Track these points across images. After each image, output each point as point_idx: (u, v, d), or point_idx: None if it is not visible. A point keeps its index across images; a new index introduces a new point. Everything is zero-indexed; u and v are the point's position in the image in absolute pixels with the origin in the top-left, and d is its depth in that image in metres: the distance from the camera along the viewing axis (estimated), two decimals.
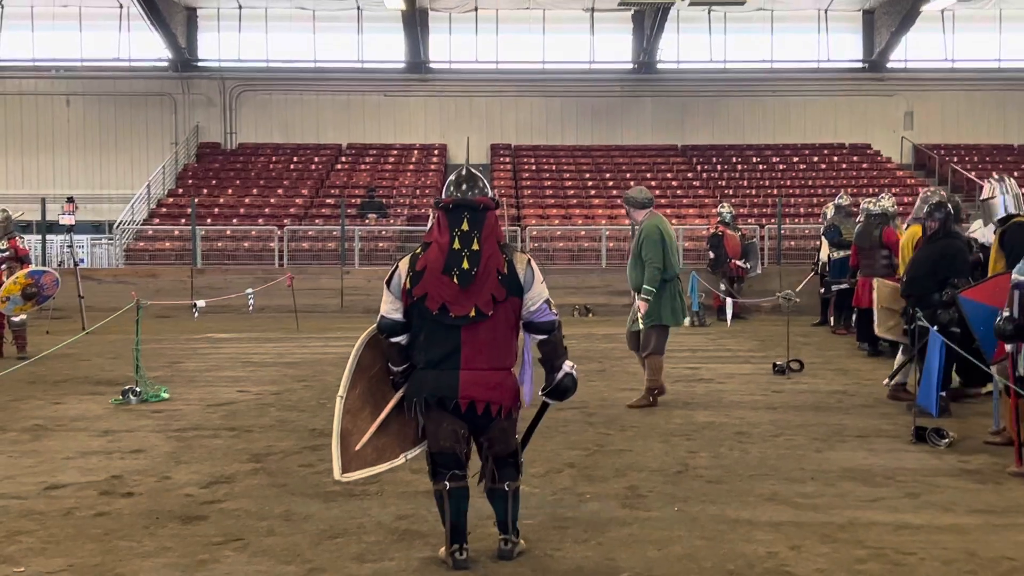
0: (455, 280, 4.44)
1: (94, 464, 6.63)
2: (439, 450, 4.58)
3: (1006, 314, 6.22)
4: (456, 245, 4.48)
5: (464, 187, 4.60)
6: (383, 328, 4.64)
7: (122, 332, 11.26)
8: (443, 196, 4.61)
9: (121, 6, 28.58)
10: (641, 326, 8.63)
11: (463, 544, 4.60)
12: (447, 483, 4.56)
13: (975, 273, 8.44)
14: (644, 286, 8.43)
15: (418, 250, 4.60)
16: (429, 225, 4.67)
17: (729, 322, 14.85)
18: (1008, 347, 6.39)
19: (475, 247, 4.48)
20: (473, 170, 4.76)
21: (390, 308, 4.60)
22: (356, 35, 29.85)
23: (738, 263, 17.84)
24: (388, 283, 4.61)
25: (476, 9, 29.57)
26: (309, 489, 6.00)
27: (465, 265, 4.45)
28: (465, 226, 4.50)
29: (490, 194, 4.66)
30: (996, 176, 8.10)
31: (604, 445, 7.17)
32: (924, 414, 7.42)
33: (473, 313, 4.46)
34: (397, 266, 4.61)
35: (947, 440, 7.11)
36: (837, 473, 6.34)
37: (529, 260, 4.65)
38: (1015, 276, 6.20)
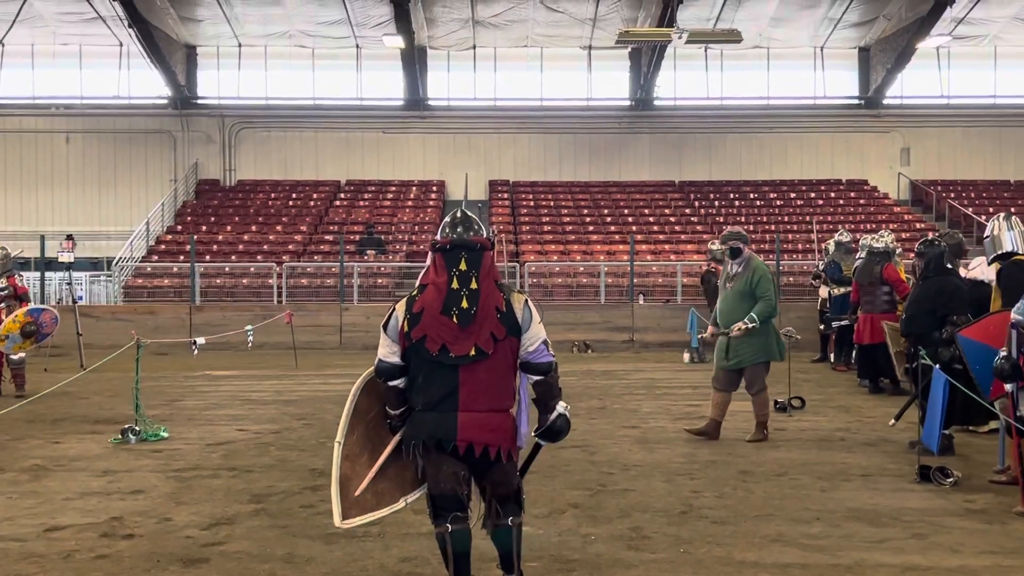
0: (455, 320, 4.41)
1: (94, 505, 6.58)
2: (440, 492, 4.53)
3: (1004, 353, 6.21)
4: (455, 285, 4.45)
5: (460, 228, 4.57)
6: (381, 372, 4.59)
7: (120, 370, 11.24)
8: (439, 237, 4.60)
9: (121, 44, 28.76)
10: (740, 359, 8.78)
11: None
12: (449, 525, 4.50)
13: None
14: (752, 314, 8.65)
15: (414, 293, 4.56)
16: (425, 268, 4.65)
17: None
18: (1008, 386, 6.36)
19: (473, 286, 4.46)
20: (467, 211, 4.76)
21: (387, 352, 4.56)
22: (355, 72, 30.02)
23: None
24: (385, 327, 4.57)
25: (475, 47, 29.79)
26: (311, 531, 5.95)
27: (464, 304, 4.43)
28: (463, 266, 4.48)
29: (485, 234, 4.64)
30: (1003, 215, 8.07)
31: (607, 485, 7.12)
32: (927, 452, 7.39)
33: (473, 352, 4.42)
34: (394, 309, 4.56)
35: (952, 479, 7.07)
36: (843, 513, 6.30)
37: (527, 300, 4.61)
38: (1014, 316, 6.19)
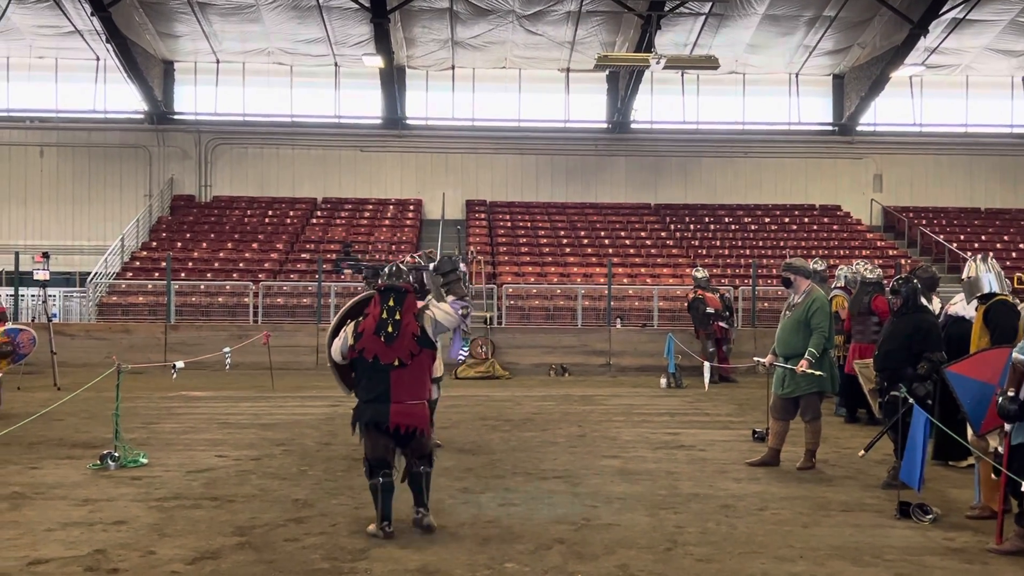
0: (383, 339, 6.53)
1: (76, 536, 6.52)
2: (375, 457, 6.57)
3: (1011, 394, 6.23)
4: (384, 315, 6.56)
5: (392, 277, 6.68)
6: (345, 354, 6.73)
7: (95, 389, 11.13)
8: (379, 282, 6.67)
9: (98, 58, 28.68)
10: (795, 388, 9.04)
11: (390, 521, 6.50)
12: (380, 479, 6.51)
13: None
14: (810, 349, 8.92)
15: (360, 319, 6.67)
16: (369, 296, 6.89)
17: (707, 385, 14.89)
18: (1008, 426, 6.42)
19: (397, 317, 6.56)
20: (400, 265, 6.91)
21: (339, 347, 6.75)
22: (333, 91, 30.07)
23: (721, 324, 17.93)
24: (333, 334, 6.83)
25: (453, 67, 29.90)
26: (296, 566, 5.93)
27: (390, 329, 6.53)
28: (391, 303, 6.60)
29: (410, 281, 6.79)
30: (980, 256, 8.23)
31: (591, 519, 7.14)
32: (906, 487, 7.46)
33: (397, 362, 6.52)
34: (345, 331, 6.71)
35: (931, 516, 7.16)
36: (825, 552, 6.35)
37: (432, 317, 6.77)
38: (1017, 355, 6.24)
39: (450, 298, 7.25)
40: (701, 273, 18.60)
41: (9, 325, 12.84)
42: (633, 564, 6.04)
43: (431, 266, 7.93)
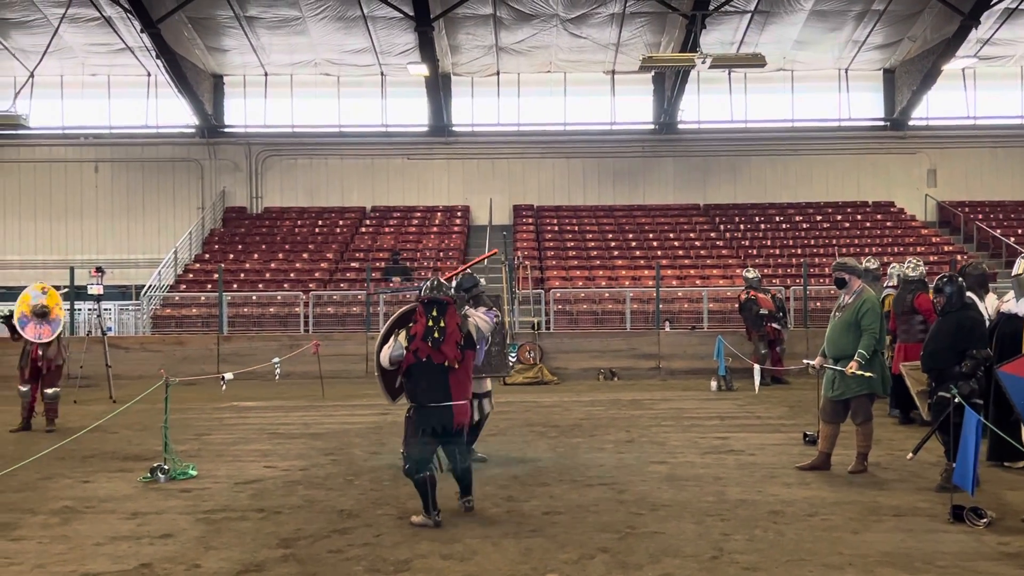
0: (430, 344, 7.18)
1: (124, 551, 6.59)
2: (423, 457, 7.20)
3: None
4: (430, 324, 7.22)
5: (434, 291, 7.31)
6: (395, 362, 7.34)
7: (148, 402, 11.29)
8: (423, 295, 7.30)
9: (149, 74, 29.15)
10: (844, 390, 8.89)
11: (439, 510, 7.13)
12: (427, 473, 7.16)
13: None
14: (860, 350, 8.75)
15: (410, 325, 7.34)
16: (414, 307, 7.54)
17: (757, 387, 14.71)
18: None
19: (442, 325, 7.23)
20: (441, 279, 7.52)
21: (395, 349, 7.31)
22: (380, 100, 30.27)
23: (774, 325, 17.72)
24: (383, 343, 7.50)
25: (498, 73, 29.94)
26: None
27: (436, 335, 7.20)
28: (435, 313, 7.25)
29: (451, 294, 7.42)
30: None
31: (636, 527, 7.07)
32: (959, 491, 7.30)
33: (446, 363, 7.18)
34: (395, 338, 7.33)
35: (985, 520, 6.98)
36: (875, 558, 6.22)
37: (473, 323, 7.56)
38: None
39: (481, 309, 8.06)
40: (752, 273, 18.36)
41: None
42: (677, 573, 5.96)
43: (454, 283, 8.95)
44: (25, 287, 13.38)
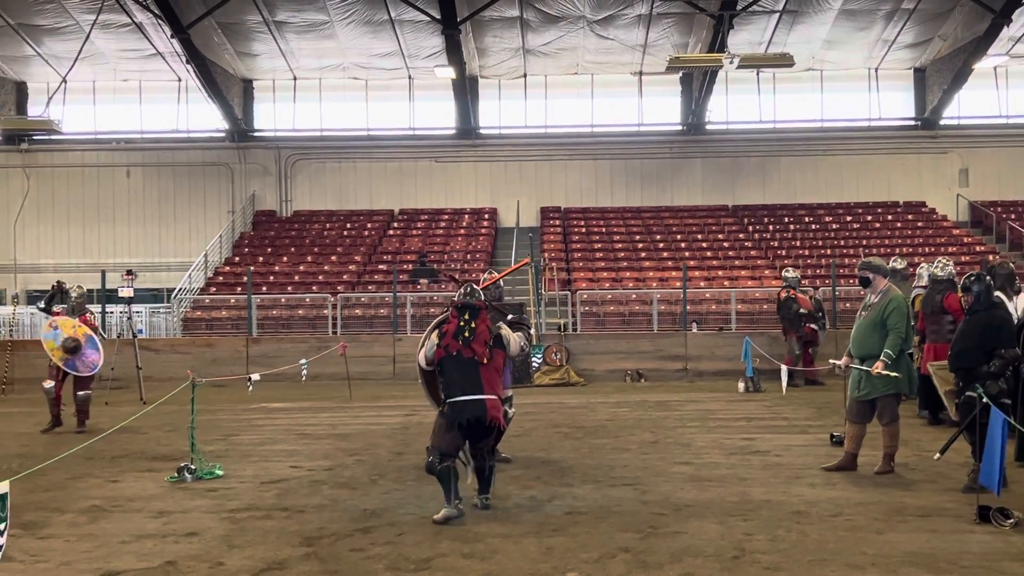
0: (460, 342, 7.68)
1: (149, 549, 6.66)
2: (448, 451, 7.44)
3: None
4: (462, 324, 7.76)
5: (467, 297, 7.92)
6: (429, 360, 7.93)
7: (178, 402, 11.38)
8: (456, 300, 7.89)
9: (179, 79, 29.45)
10: (870, 390, 8.85)
11: (461, 499, 7.35)
12: (449, 464, 7.36)
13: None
14: (886, 350, 8.72)
15: (443, 327, 7.90)
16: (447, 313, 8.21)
17: (784, 388, 14.64)
18: None
19: (473, 326, 7.75)
20: (473, 285, 8.22)
21: (429, 350, 7.92)
22: (408, 103, 30.39)
23: (812, 326, 17.61)
24: (426, 340, 8.10)
25: (525, 75, 29.97)
26: None
27: (467, 334, 7.71)
28: (467, 316, 7.81)
29: (482, 298, 8.07)
30: None
31: (658, 527, 7.05)
32: (986, 491, 7.22)
33: (476, 357, 7.62)
34: (430, 336, 8.04)
35: (1012, 520, 6.90)
36: (899, 558, 6.17)
37: (505, 334, 8.06)
38: None
39: (518, 334, 8.42)
40: (792, 273, 18.21)
41: (94, 338, 13.13)
42: (698, 572, 5.94)
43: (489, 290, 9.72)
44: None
